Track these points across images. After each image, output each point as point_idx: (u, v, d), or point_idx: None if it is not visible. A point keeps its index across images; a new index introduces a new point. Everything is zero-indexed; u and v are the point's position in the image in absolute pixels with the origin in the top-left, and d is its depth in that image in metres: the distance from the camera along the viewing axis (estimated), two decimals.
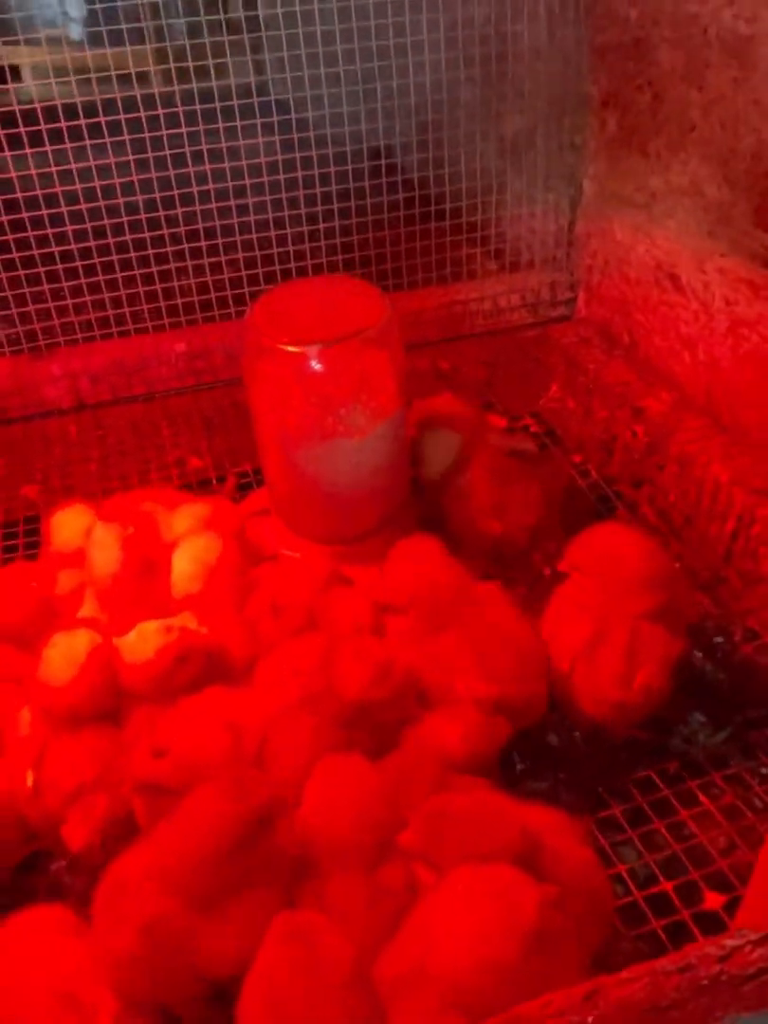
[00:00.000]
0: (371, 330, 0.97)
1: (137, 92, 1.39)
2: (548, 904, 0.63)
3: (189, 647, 0.88)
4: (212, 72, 1.42)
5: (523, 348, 1.72)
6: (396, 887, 0.67)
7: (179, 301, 1.56)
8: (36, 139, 1.36)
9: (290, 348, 0.95)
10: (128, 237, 1.48)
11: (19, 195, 1.39)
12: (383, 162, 1.55)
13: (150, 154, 1.41)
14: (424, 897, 0.66)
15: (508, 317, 1.75)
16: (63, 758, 0.84)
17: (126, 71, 1.38)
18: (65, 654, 0.88)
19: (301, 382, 0.97)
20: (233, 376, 1.63)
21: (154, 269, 1.52)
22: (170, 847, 0.67)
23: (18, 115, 1.33)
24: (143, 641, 0.88)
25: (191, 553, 0.96)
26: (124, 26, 1.41)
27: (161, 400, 1.60)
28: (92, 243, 1.46)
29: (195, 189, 1.47)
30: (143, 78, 1.41)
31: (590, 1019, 0.45)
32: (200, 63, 1.42)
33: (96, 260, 1.48)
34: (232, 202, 1.50)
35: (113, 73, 1.39)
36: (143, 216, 1.47)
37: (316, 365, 0.96)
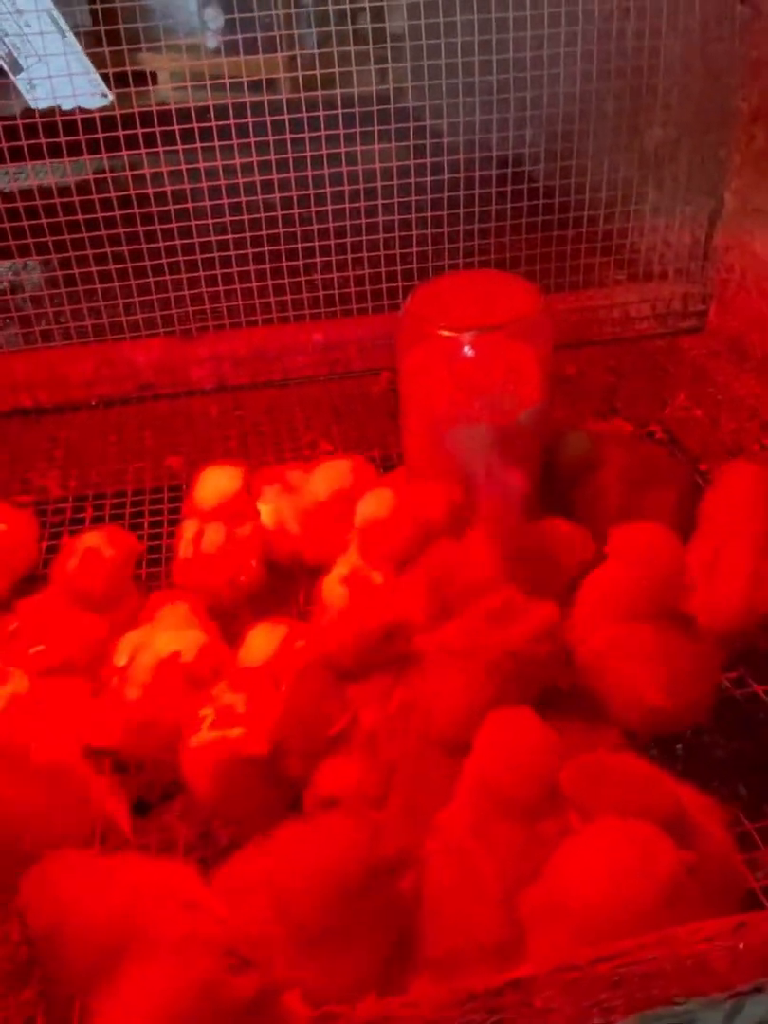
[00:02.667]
0: (522, 321, 1.01)
1: (266, 97, 1.47)
2: (684, 866, 0.66)
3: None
4: (338, 79, 1.46)
5: (651, 357, 1.74)
6: (550, 836, 0.70)
7: (321, 293, 1.64)
8: (180, 138, 1.45)
9: (445, 333, 1.01)
10: (263, 232, 1.56)
11: (168, 188, 1.50)
12: (511, 170, 1.60)
13: (289, 155, 1.49)
14: (569, 839, 0.69)
15: (637, 326, 1.77)
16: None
17: (258, 77, 1.46)
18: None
19: (452, 367, 1.02)
20: (365, 368, 1.71)
21: (299, 262, 1.60)
22: (288, 875, 0.66)
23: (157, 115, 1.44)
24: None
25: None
26: (259, 34, 1.50)
27: (296, 386, 1.69)
28: (242, 234, 1.56)
29: (328, 190, 1.54)
30: (273, 85, 1.48)
31: (741, 945, 0.48)
32: (328, 71, 1.47)
33: (248, 251, 1.58)
34: (362, 204, 1.57)
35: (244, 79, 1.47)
36: (278, 213, 1.55)
37: (468, 351, 1.01)
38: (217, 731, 0.83)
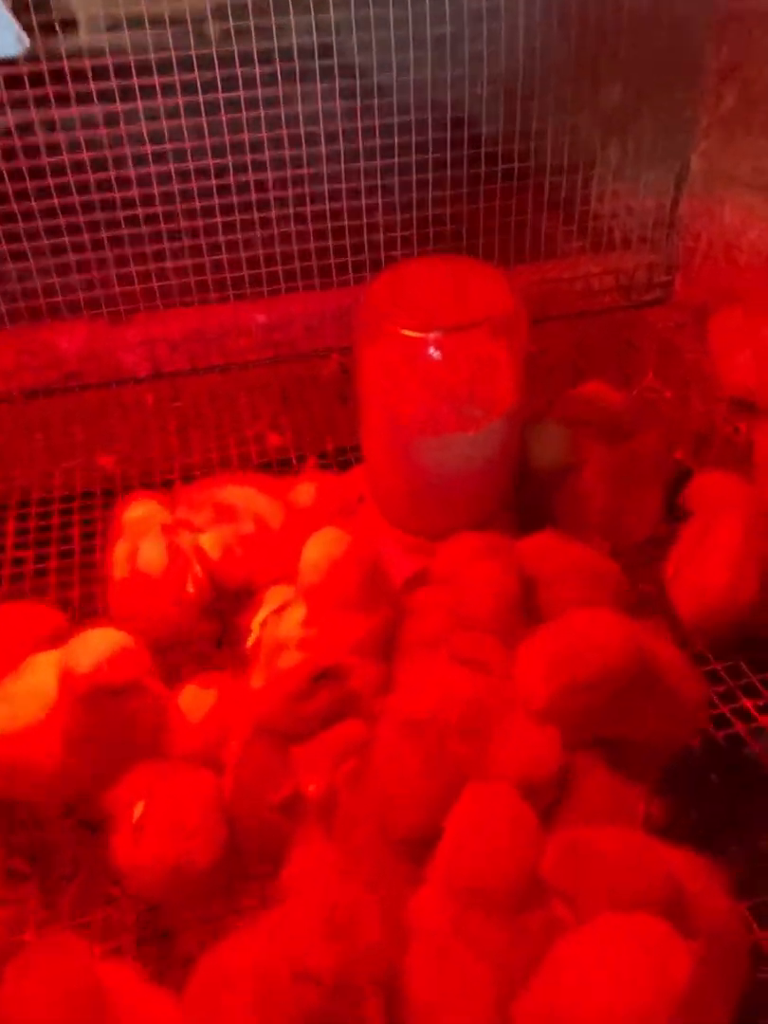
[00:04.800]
0: (496, 319, 0.90)
1: (194, 51, 1.31)
2: (695, 960, 0.58)
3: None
4: (274, 30, 1.32)
5: (615, 332, 1.65)
6: (535, 931, 0.62)
7: (263, 269, 1.51)
8: (97, 98, 1.30)
9: (409, 333, 0.90)
10: (196, 202, 1.41)
11: (86, 155, 1.33)
12: (468, 133, 1.47)
13: (223, 115, 1.35)
14: (566, 939, 0.62)
15: (601, 299, 1.67)
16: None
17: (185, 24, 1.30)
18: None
19: (418, 370, 0.91)
20: (313, 349, 1.58)
21: (237, 236, 1.46)
22: (265, 975, 0.60)
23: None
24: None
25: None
26: None
27: (239, 371, 1.56)
28: (177, 207, 1.41)
29: (267, 155, 1.40)
30: (202, 38, 1.32)
31: None
32: (262, 22, 1.33)
33: (180, 223, 1.43)
34: (305, 171, 1.43)
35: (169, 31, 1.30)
36: (213, 182, 1.40)
37: (435, 353, 0.90)
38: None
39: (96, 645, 0.78)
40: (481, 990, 0.60)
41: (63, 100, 1.30)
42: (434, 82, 1.45)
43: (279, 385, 1.54)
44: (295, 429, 1.45)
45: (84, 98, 1.30)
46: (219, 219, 1.44)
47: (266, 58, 1.35)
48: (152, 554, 0.97)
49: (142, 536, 0.99)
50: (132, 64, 1.28)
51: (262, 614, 0.84)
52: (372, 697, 0.80)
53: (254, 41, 1.31)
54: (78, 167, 1.34)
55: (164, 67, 1.29)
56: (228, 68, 1.31)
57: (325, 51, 1.38)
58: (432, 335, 0.89)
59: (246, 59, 1.33)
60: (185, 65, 1.31)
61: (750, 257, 1.44)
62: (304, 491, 1.07)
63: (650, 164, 1.60)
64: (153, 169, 1.37)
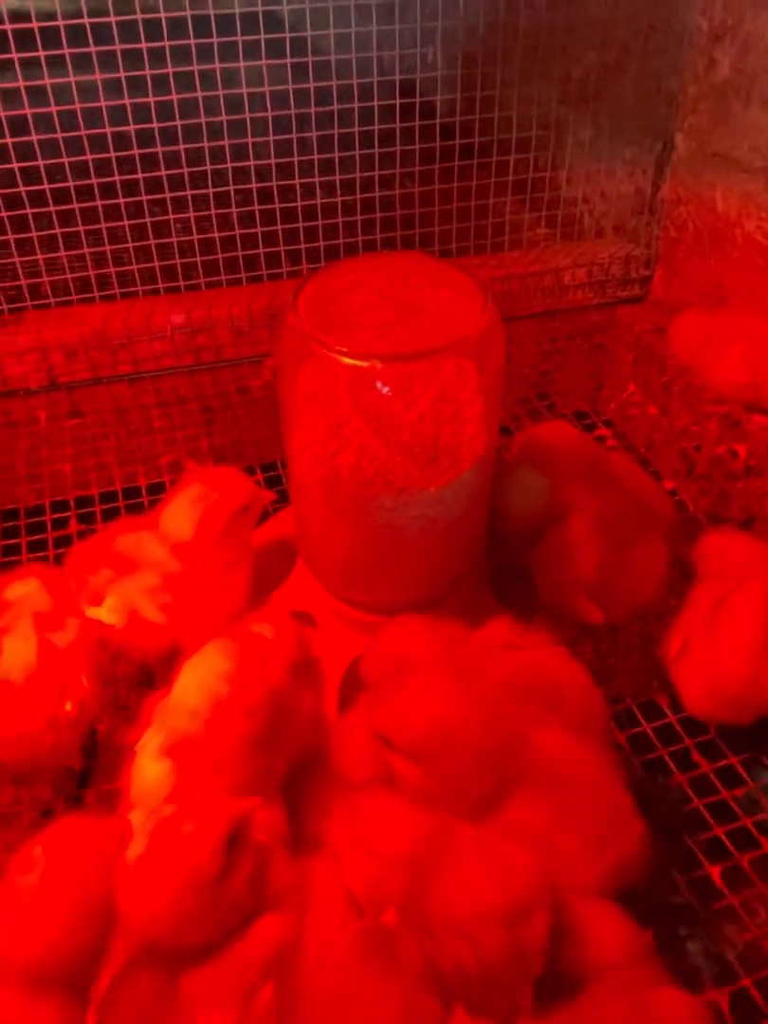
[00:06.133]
0: (464, 342, 0.69)
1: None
2: None
3: None
4: None
5: (587, 334, 1.44)
6: None
7: (177, 261, 1.27)
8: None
9: (348, 361, 0.67)
10: (115, 178, 1.17)
11: None
12: (420, 100, 1.25)
13: (147, 71, 1.10)
14: None
15: (571, 295, 1.46)
16: None
17: None
18: None
19: (363, 407, 0.69)
20: (239, 356, 1.34)
21: (145, 220, 1.22)
22: None
23: None
24: None
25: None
26: None
27: (151, 381, 1.31)
28: (70, 183, 1.16)
29: (190, 121, 1.15)
30: None
31: None
32: None
33: (75, 205, 1.18)
34: (227, 142, 1.19)
35: None
36: (112, 154, 1.15)
37: (384, 388, 0.68)
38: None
39: None
40: None
41: None
42: (380, 40, 1.22)
43: (199, 399, 1.30)
44: (217, 453, 1.23)
45: None
46: (123, 200, 1.19)
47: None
48: (18, 654, 0.74)
49: (7, 630, 0.76)
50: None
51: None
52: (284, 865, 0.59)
53: None
54: None
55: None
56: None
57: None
58: (379, 365, 0.67)
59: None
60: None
61: (746, 252, 1.25)
62: (176, 518, 0.85)
63: (628, 142, 1.39)
64: (35, 137, 1.11)
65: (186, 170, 1.19)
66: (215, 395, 1.31)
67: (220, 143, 1.19)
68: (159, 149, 1.17)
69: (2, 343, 1.24)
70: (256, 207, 1.25)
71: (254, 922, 0.55)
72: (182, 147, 1.18)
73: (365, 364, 0.67)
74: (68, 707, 0.76)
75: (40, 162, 1.13)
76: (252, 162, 1.22)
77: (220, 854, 0.55)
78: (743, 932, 0.73)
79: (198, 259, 1.27)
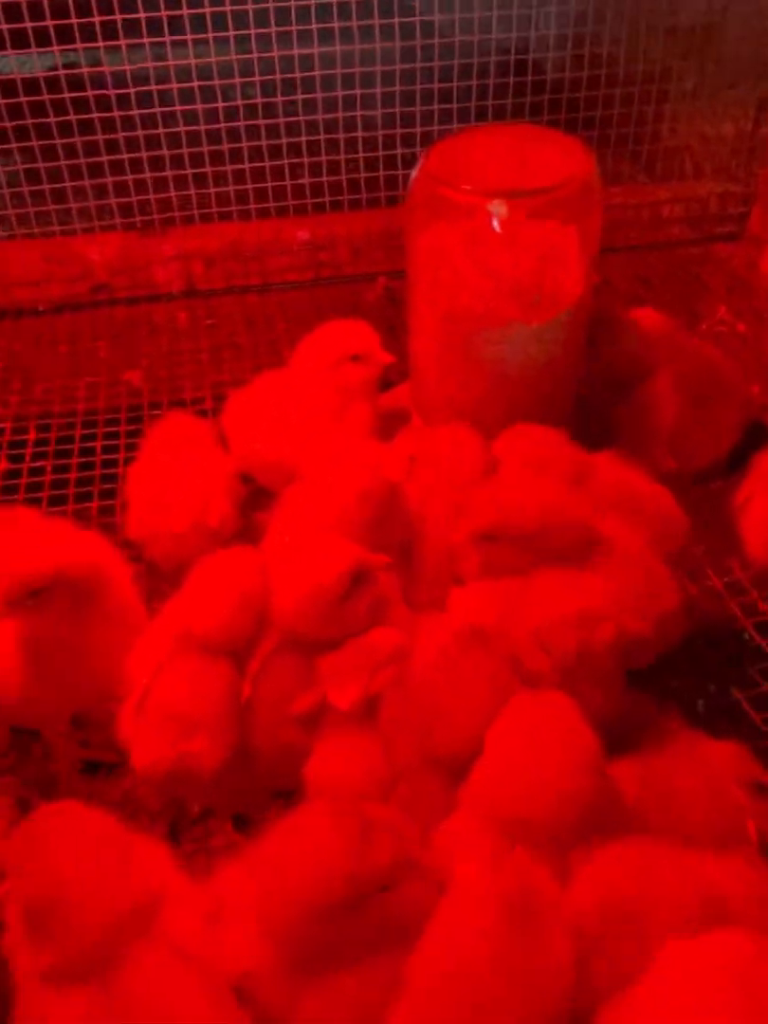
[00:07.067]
0: (567, 186, 0.79)
1: None
2: None
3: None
4: None
5: (683, 266, 1.52)
6: None
7: (307, 182, 1.41)
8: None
9: (470, 200, 0.79)
10: (240, 115, 1.32)
11: (127, 67, 1.26)
12: (530, 57, 1.35)
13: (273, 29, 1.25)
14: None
15: (668, 230, 1.54)
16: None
17: None
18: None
19: (477, 253, 0.81)
20: (357, 272, 1.48)
21: (282, 140, 1.36)
22: (267, 890, 0.55)
23: None
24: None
25: None
26: None
27: (278, 292, 1.46)
28: (215, 117, 1.31)
29: (317, 72, 1.30)
30: None
31: None
32: None
33: (222, 127, 1.33)
34: (357, 91, 1.33)
35: None
36: (259, 100, 1.32)
37: (498, 227, 0.79)
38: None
39: None
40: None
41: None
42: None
43: (318, 309, 1.44)
44: None
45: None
46: (261, 127, 1.34)
47: None
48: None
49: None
50: None
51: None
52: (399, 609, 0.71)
53: None
54: (118, 78, 1.25)
55: None
56: None
57: None
58: (496, 203, 0.78)
59: None
60: None
61: None
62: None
63: (731, 84, 1.47)
64: (197, 83, 1.27)
65: (320, 113, 1.33)
66: (331, 307, 1.44)
67: (351, 92, 1.32)
68: (298, 96, 1.32)
69: (150, 251, 1.41)
70: (378, 133, 1.37)
71: (375, 630, 0.68)
72: (318, 95, 1.32)
73: (480, 202, 0.79)
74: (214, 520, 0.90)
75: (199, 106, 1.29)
76: (379, 111, 1.34)
77: (344, 580, 0.67)
78: None
79: (324, 181, 1.40)
